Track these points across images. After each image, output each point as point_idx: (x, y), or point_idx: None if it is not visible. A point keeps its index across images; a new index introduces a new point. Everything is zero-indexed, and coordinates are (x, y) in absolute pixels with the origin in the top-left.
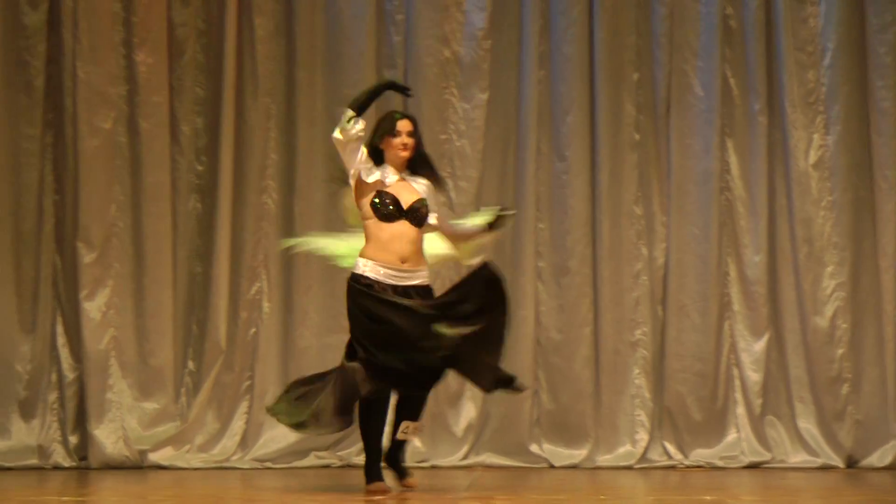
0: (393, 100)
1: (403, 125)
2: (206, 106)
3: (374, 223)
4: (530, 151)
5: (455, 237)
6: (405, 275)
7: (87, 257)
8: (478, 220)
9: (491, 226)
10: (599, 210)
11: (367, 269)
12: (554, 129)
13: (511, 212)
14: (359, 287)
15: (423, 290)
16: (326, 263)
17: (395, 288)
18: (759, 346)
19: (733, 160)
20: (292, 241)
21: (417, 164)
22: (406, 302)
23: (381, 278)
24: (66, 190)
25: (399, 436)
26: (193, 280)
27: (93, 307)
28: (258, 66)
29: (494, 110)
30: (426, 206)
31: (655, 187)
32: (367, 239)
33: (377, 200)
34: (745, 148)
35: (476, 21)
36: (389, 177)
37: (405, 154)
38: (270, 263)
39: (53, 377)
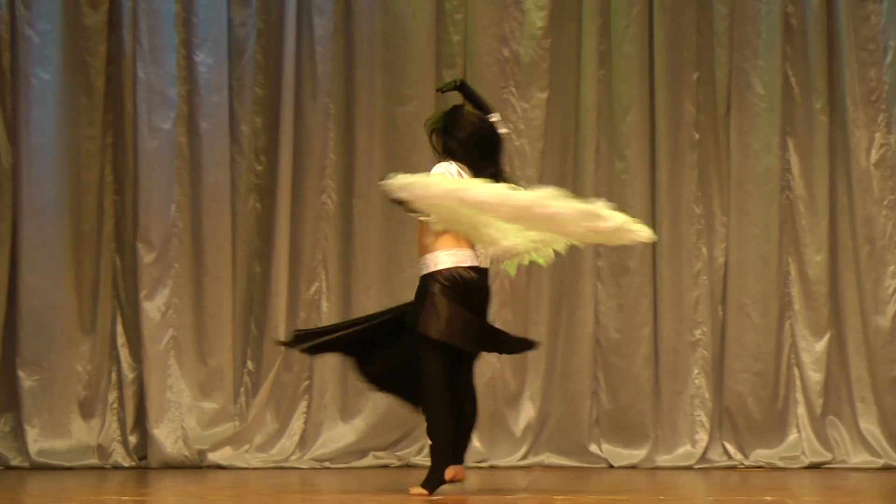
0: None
1: None
2: (265, 106)
3: None
4: (590, 151)
5: None
6: None
7: (146, 257)
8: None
9: None
10: (659, 209)
11: None
12: (613, 129)
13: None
14: None
15: (420, 283)
16: (385, 263)
17: None
18: (820, 345)
19: (794, 159)
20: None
21: None
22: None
23: None
24: (125, 190)
25: None
26: (252, 280)
27: (152, 307)
28: (317, 65)
29: (554, 109)
30: None
31: (715, 186)
32: None
33: None
34: (805, 147)
35: (535, 20)
36: None
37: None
38: (329, 263)
39: (113, 377)
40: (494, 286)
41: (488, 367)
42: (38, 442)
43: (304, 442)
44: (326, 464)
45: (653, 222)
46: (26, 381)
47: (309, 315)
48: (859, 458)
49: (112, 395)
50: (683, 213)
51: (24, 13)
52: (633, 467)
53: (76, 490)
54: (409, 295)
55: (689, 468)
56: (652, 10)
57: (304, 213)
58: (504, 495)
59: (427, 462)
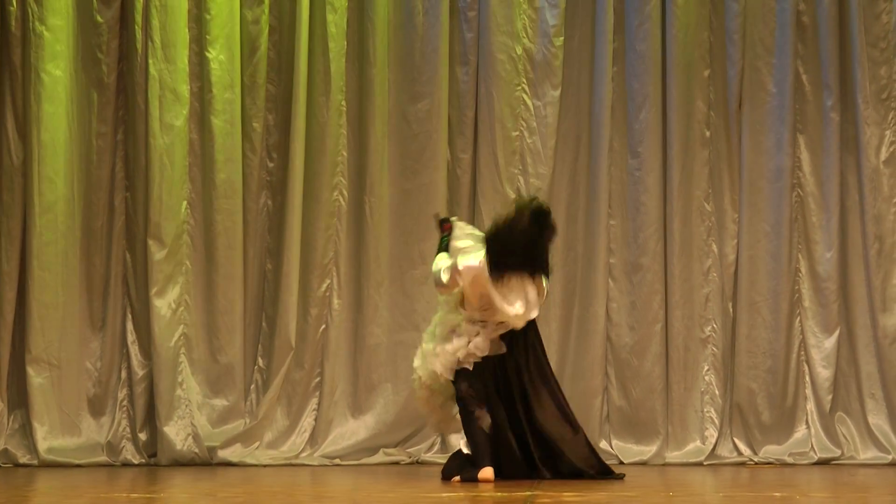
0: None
1: None
2: (277, 103)
3: None
4: (602, 148)
5: None
6: None
7: (157, 254)
8: None
9: None
10: (671, 207)
11: None
12: (626, 126)
13: None
14: None
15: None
16: (396, 260)
17: None
18: (830, 342)
19: (805, 156)
20: None
21: None
22: None
23: None
24: (137, 187)
25: None
26: (264, 277)
27: (163, 304)
28: (330, 63)
29: (566, 107)
30: None
31: (727, 184)
32: None
33: None
34: (816, 144)
35: (549, 17)
36: None
37: None
38: (341, 260)
39: (123, 374)
40: None
41: None
42: (47, 439)
43: (314, 439)
44: (337, 461)
45: (664, 219)
46: (36, 378)
47: (321, 312)
48: (868, 454)
49: (122, 393)
50: (695, 210)
51: (36, 9)
52: (643, 463)
53: (86, 487)
54: (420, 292)
55: (699, 464)
56: (665, 8)
57: (316, 211)
58: (516, 492)
59: (438, 459)
